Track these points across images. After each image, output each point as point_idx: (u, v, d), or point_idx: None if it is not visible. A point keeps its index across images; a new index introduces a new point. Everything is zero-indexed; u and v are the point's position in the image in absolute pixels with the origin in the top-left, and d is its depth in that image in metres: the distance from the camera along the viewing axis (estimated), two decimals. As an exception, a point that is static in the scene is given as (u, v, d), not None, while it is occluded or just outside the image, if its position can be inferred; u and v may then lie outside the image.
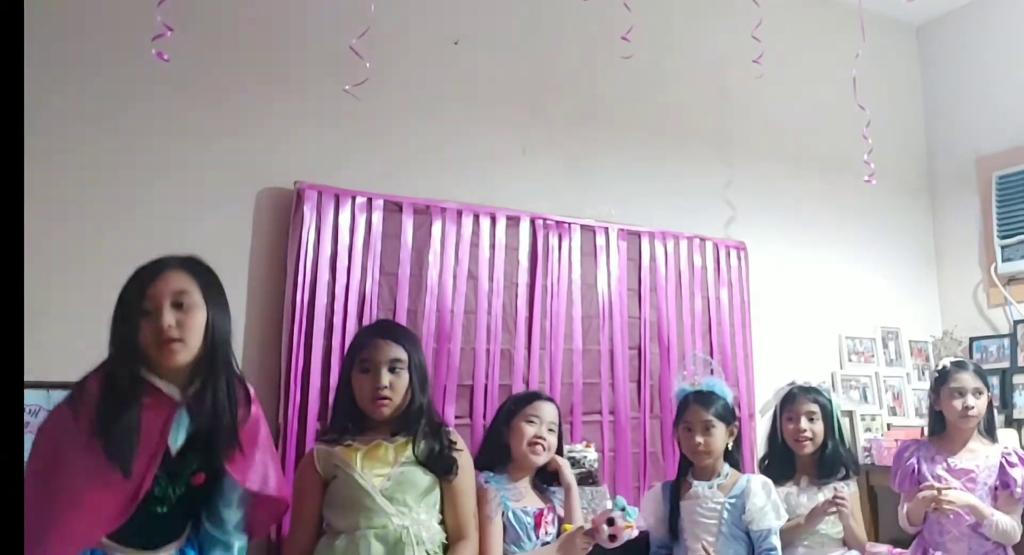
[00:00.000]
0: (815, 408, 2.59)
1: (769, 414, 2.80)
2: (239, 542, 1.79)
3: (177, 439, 1.63)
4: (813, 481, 2.56)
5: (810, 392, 2.63)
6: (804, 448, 2.57)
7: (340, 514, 1.91)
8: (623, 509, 2.03)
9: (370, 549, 1.83)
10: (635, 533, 2.03)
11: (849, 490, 2.53)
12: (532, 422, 2.28)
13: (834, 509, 2.40)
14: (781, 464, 2.62)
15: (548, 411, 2.31)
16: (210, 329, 1.64)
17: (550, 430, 2.29)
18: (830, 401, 2.63)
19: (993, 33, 3.87)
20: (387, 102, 2.72)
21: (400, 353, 2.00)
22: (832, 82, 3.54)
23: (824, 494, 2.50)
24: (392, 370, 1.98)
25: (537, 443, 2.25)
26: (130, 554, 1.61)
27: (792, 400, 2.63)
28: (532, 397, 2.38)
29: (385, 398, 1.96)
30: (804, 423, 2.57)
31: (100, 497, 1.53)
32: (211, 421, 1.63)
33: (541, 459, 2.27)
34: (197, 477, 1.66)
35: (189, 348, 1.61)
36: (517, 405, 2.35)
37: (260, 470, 1.73)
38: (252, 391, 1.79)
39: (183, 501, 1.66)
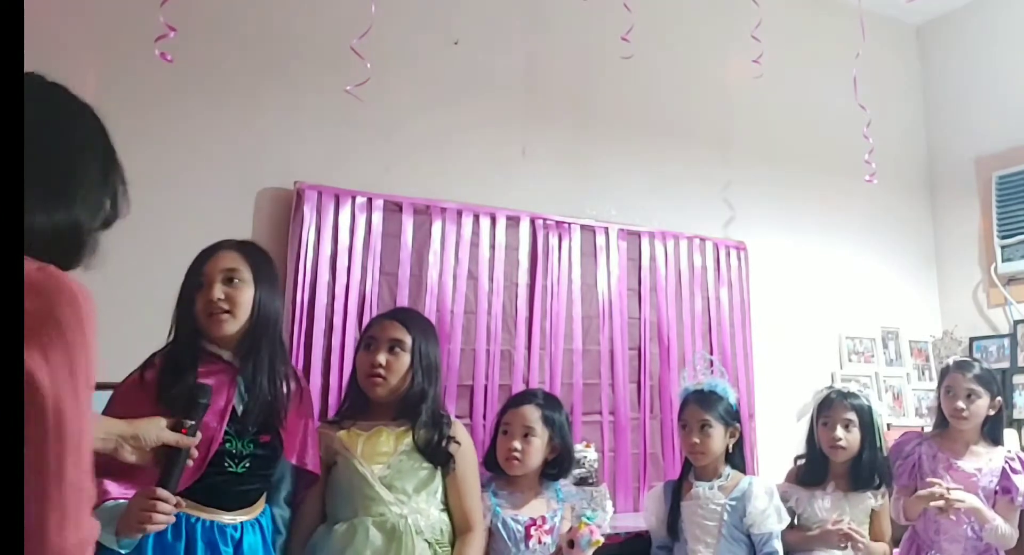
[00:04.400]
0: (852, 416, 2.40)
1: (807, 417, 2.61)
2: (286, 513, 1.89)
3: (242, 400, 1.75)
4: (841, 488, 2.41)
5: (848, 397, 2.44)
6: (838, 456, 2.40)
7: (340, 501, 1.91)
8: (585, 517, 2.04)
9: (368, 537, 1.84)
10: (602, 540, 2.04)
11: (878, 503, 2.41)
12: (506, 432, 2.18)
13: (845, 544, 2.30)
14: (814, 468, 2.45)
15: (520, 416, 2.18)
16: (256, 305, 1.76)
17: (525, 435, 2.15)
18: (870, 407, 2.44)
19: (993, 33, 3.87)
20: (387, 102, 2.72)
21: (402, 334, 1.99)
22: (832, 82, 3.54)
23: (850, 504, 2.39)
24: (391, 350, 1.97)
25: (509, 458, 2.14)
26: (210, 512, 1.68)
27: (829, 405, 2.45)
28: (508, 404, 2.28)
29: (378, 376, 1.95)
30: (839, 431, 2.39)
31: None
32: (257, 392, 1.75)
33: (516, 472, 2.16)
34: (263, 436, 1.77)
35: (236, 320, 1.74)
36: (499, 414, 2.27)
37: (298, 446, 1.84)
38: (299, 374, 1.95)
39: (256, 462, 1.75)
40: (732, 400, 2.36)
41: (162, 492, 1.48)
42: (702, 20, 3.50)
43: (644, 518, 2.45)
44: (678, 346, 3.11)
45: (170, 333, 1.78)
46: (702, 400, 2.32)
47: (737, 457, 2.35)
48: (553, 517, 2.16)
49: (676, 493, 2.34)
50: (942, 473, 2.46)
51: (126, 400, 1.67)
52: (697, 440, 2.28)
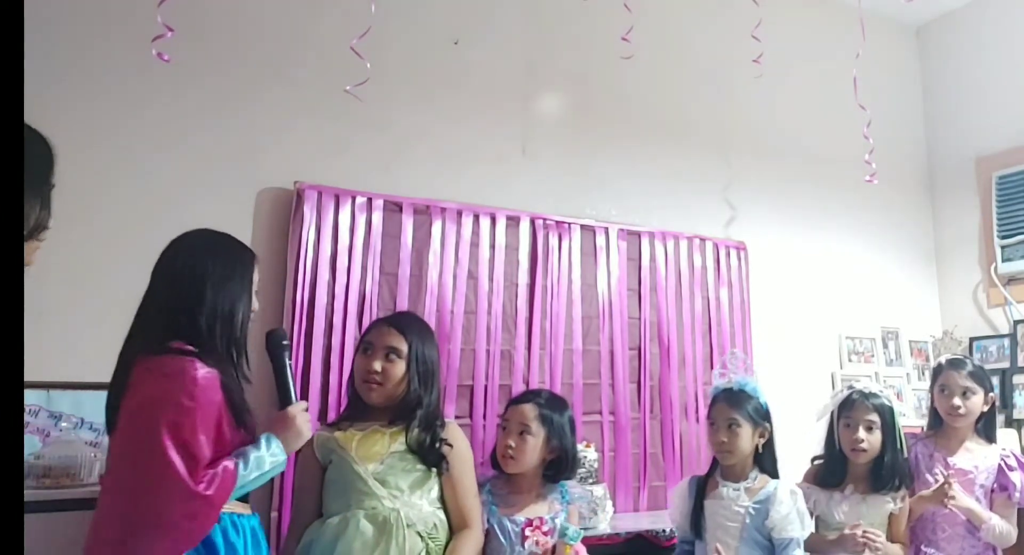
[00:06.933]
0: (874, 417, 2.38)
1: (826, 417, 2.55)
2: None
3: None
4: (860, 490, 2.38)
5: (870, 397, 2.41)
6: (859, 457, 2.38)
7: (334, 497, 1.94)
8: (564, 535, 2.03)
9: (359, 528, 1.85)
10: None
11: (897, 506, 2.36)
12: (504, 428, 2.19)
13: (862, 550, 2.25)
14: (833, 469, 2.43)
15: (518, 413, 2.18)
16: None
17: (520, 433, 2.15)
18: (891, 408, 2.41)
19: (993, 33, 3.87)
20: (387, 102, 2.72)
21: (398, 342, 2.02)
22: (832, 82, 3.54)
23: (868, 507, 2.36)
24: (387, 357, 2.01)
25: (504, 454, 2.15)
26: (245, 508, 1.75)
27: (851, 405, 2.42)
28: (510, 401, 2.28)
29: (373, 382, 1.99)
30: (862, 432, 2.36)
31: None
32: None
33: (510, 469, 2.16)
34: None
35: None
36: (504, 411, 2.29)
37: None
38: None
39: None
40: (762, 400, 2.30)
41: (302, 403, 1.83)
42: (702, 20, 3.50)
43: (668, 512, 2.42)
44: (678, 346, 3.11)
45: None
46: (731, 398, 2.27)
47: (767, 459, 2.28)
48: (553, 519, 2.15)
49: (700, 489, 2.30)
50: (939, 472, 2.46)
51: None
52: (724, 439, 2.23)
